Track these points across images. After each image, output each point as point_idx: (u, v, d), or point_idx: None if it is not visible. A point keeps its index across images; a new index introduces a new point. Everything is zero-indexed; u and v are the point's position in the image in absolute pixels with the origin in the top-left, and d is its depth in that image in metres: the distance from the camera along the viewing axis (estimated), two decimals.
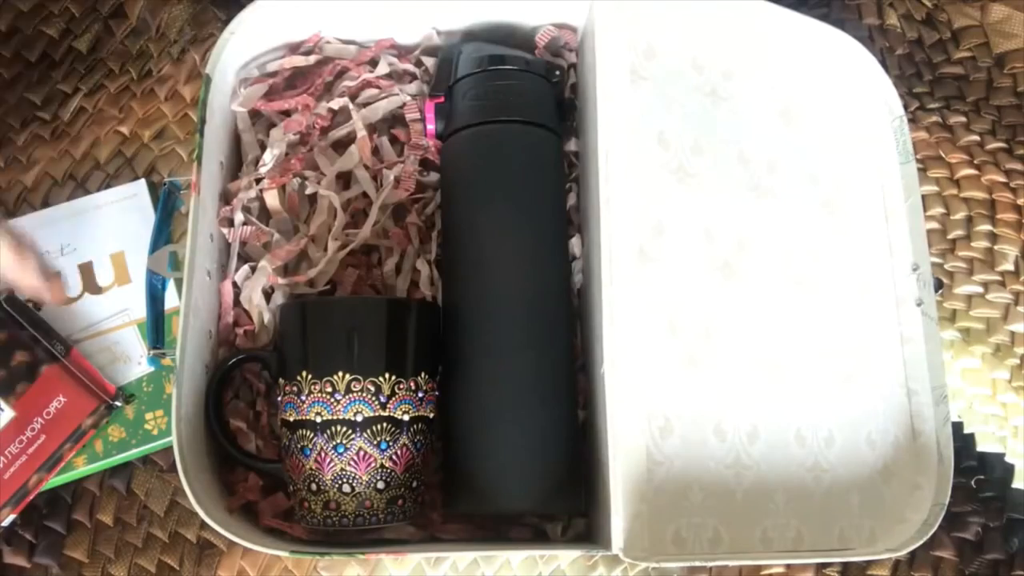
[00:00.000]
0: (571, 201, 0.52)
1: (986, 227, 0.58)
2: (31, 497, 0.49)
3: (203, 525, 0.50)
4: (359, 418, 0.42)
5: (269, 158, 0.51)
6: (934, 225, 0.58)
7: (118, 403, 0.50)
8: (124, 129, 0.57)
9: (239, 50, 0.51)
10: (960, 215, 0.58)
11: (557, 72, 0.52)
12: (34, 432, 0.49)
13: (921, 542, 0.46)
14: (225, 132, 0.51)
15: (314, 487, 0.42)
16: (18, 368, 0.50)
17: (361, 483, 0.42)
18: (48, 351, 0.50)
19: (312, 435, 0.42)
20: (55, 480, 0.50)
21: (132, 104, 0.58)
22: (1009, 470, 0.53)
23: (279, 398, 0.44)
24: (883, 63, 0.57)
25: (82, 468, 0.50)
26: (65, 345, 0.51)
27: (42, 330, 0.51)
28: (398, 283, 0.51)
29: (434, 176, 0.53)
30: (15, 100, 0.58)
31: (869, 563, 0.51)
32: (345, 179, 0.53)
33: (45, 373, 0.50)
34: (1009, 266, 0.57)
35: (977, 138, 0.60)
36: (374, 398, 0.42)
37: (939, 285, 0.54)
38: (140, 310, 0.52)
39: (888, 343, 0.52)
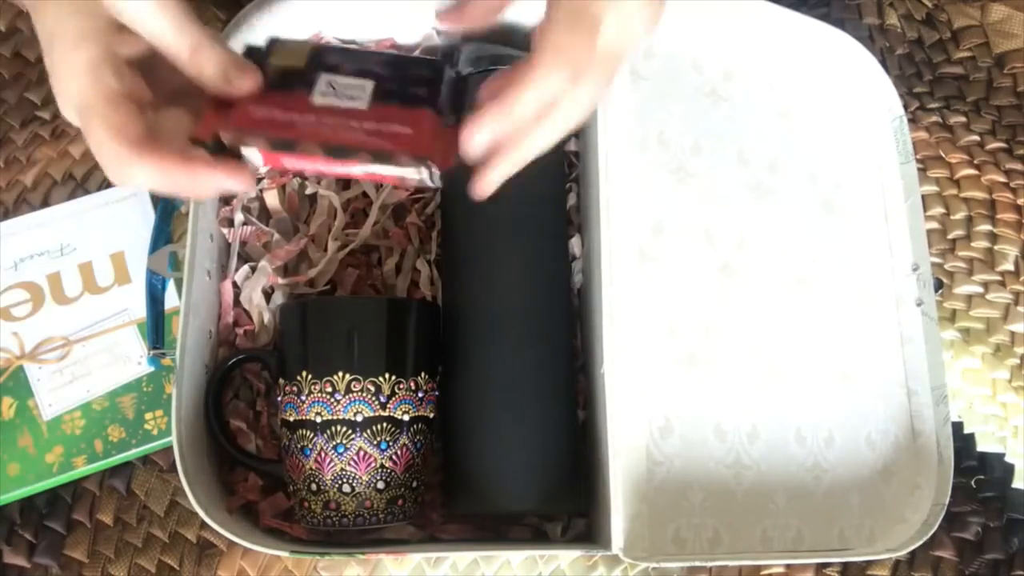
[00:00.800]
0: (571, 201, 0.52)
1: (986, 227, 0.58)
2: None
3: (203, 525, 0.50)
4: (359, 418, 0.42)
5: None
6: (934, 225, 0.58)
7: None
8: None
9: (239, 50, 0.51)
10: (960, 215, 0.58)
11: None
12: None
13: (921, 542, 0.46)
14: None
15: (314, 487, 0.42)
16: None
17: (361, 483, 0.42)
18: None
19: (312, 435, 0.42)
20: (55, 480, 0.50)
21: None
22: (1009, 470, 0.53)
23: (279, 398, 0.44)
24: (883, 63, 0.57)
25: (82, 468, 0.50)
26: None
27: None
28: (398, 283, 0.51)
29: None
30: (15, 100, 0.58)
31: (869, 563, 0.51)
32: (345, 179, 0.53)
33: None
34: (1009, 266, 0.57)
35: (977, 138, 0.59)
36: (374, 398, 0.42)
37: (939, 285, 0.54)
38: (140, 310, 0.52)
39: (888, 343, 0.52)
